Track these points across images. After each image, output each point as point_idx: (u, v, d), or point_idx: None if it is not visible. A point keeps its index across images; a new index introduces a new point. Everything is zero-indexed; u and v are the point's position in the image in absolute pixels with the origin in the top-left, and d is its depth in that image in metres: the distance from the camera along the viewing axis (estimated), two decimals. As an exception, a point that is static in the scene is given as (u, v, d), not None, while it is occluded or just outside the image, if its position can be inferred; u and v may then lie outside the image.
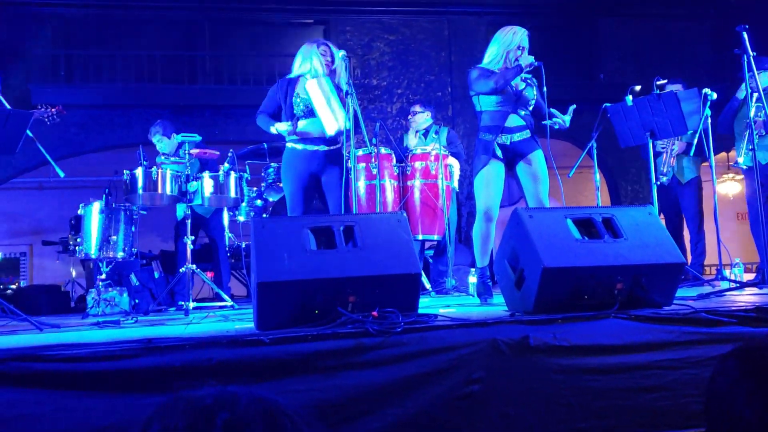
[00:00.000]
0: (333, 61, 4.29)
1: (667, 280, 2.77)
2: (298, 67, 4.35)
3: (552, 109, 4.01)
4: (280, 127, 4.17)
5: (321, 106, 4.09)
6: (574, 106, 4.08)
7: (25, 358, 2.19)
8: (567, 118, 4.02)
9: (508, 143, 3.92)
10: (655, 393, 2.45)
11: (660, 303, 2.74)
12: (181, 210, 5.27)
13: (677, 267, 2.77)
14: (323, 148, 4.24)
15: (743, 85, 4.92)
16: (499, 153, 3.90)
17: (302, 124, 4.18)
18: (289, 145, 4.28)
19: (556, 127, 4.01)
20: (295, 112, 4.20)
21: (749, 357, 0.92)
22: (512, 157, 3.96)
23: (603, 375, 2.43)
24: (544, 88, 3.88)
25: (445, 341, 2.39)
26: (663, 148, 5.48)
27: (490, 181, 3.88)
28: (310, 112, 4.20)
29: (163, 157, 4.88)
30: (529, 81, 4.01)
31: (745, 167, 4.94)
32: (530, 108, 4.02)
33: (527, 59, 3.82)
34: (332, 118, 4.07)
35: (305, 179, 4.24)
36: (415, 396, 2.30)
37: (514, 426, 2.37)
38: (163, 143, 5.63)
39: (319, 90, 4.08)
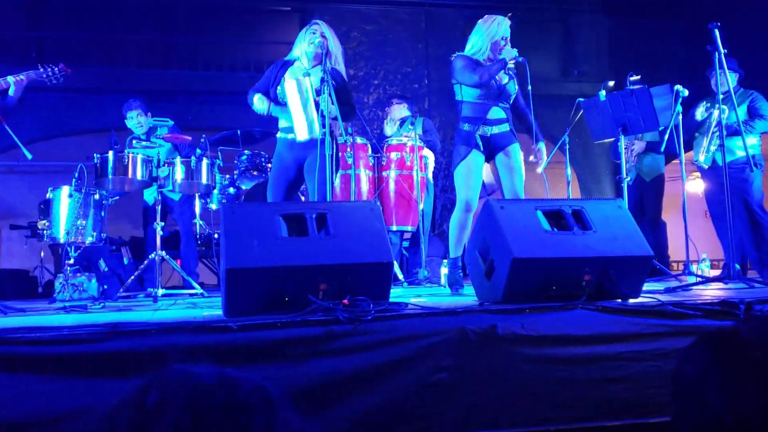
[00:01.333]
0: (326, 42, 4.08)
1: (635, 272, 2.80)
2: (292, 51, 4.22)
3: (540, 143, 4.13)
4: (256, 102, 4.05)
5: (295, 110, 3.93)
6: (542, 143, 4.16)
7: (-14, 341, 2.15)
8: (544, 163, 4.12)
9: (488, 135, 3.95)
10: (621, 384, 2.48)
11: (627, 295, 2.77)
12: (150, 195, 5.20)
13: (645, 260, 2.81)
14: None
15: (702, 105, 5.03)
16: (479, 144, 3.91)
17: (258, 106, 4.07)
18: (279, 135, 4.18)
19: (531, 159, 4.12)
20: (279, 97, 4.08)
21: (719, 344, 0.93)
22: (491, 149, 3.98)
23: (570, 365, 2.46)
24: (529, 87, 3.90)
25: (415, 329, 2.40)
26: (624, 147, 5.56)
27: (470, 171, 3.89)
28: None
29: (135, 141, 4.82)
30: (511, 74, 4.03)
31: (706, 167, 5.04)
32: (511, 102, 4.06)
33: (511, 52, 3.83)
34: (304, 126, 3.91)
35: (290, 169, 4.12)
36: (384, 384, 2.31)
37: (481, 414, 2.38)
38: (141, 120, 5.53)
39: (297, 93, 3.92)
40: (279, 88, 4.06)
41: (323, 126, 3.85)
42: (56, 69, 4.14)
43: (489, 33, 3.94)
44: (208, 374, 0.87)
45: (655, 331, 2.53)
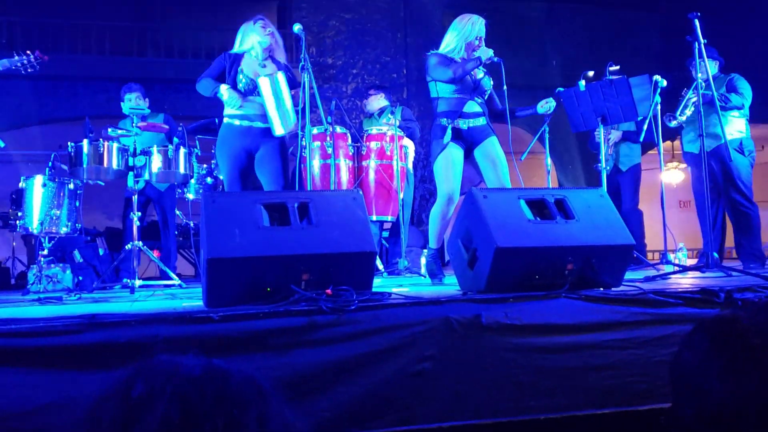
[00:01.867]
0: (273, 34, 4.24)
1: (617, 261, 2.81)
2: (239, 45, 4.29)
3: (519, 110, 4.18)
4: (225, 95, 4.04)
5: (271, 107, 4.02)
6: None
7: (-41, 333, 2.10)
8: (548, 106, 4.12)
9: (465, 128, 3.95)
10: (602, 372, 2.49)
11: (609, 284, 2.78)
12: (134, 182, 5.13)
13: (627, 249, 2.82)
14: (258, 124, 4.16)
15: (678, 111, 5.05)
16: (457, 136, 3.91)
17: (226, 97, 4.08)
18: (226, 120, 4.20)
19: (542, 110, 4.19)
20: (239, 87, 4.12)
21: (719, 331, 0.92)
22: (469, 143, 3.98)
23: (552, 354, 2.46)
24: (504, 87, 3.89)
25: (399, 319, 2.38)
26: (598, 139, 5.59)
27: (449, 164, 3.88)
28: (253, 90, 4.13)
29: (110, 130, 4.73)
30: (487, 71, 4.06)
31: (694, 153, 5.06)
32: (486, 97, 4.07)
33: (487, 52, 3.85)
34: (280, 122, 4.01)
35: (240, 156, 4.15)
36: (368, 373, 2.29)
37: (465, 403, 2.38)
38: (140, 102, 5.49)
39: (271, 90, 4.00)
40: (239, 75, 4.13)
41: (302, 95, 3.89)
42: (32, 56, 4.03)
43: (464, 33, 3.95)
44: (196, 365, 0.85)
45: (637, 320, 2.55)
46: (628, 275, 3.10)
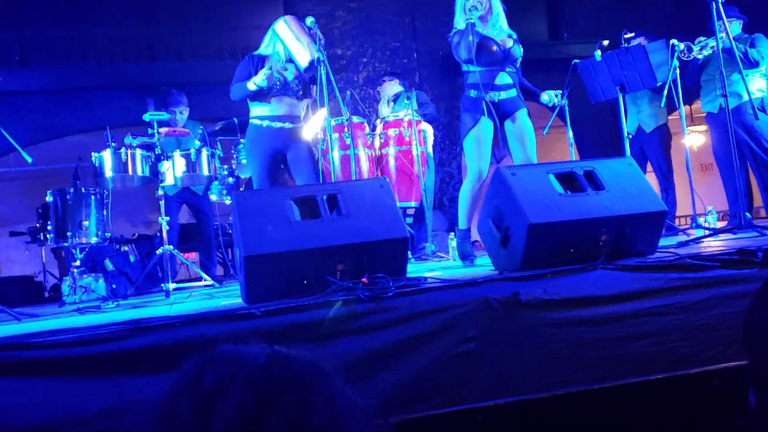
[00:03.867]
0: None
1: (651, 229, 2.80)
2: (264, 47, 4.34)
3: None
4: (258, 79, 4.11)
5: (291, 42, 4.10)
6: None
7: (9, 347, 2.14)
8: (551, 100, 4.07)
9: (497, 100, 3.87)
10: (645, 340, 2.49)
11: (644, 252, 2.77)
12: (171, 188, 5.23)
13: (660, 215, 2.80)
14: (288, 125, 4.22)
15: (699, 42, 4.96)
16: (488, 110, 3.84)
17: (257, 80, 4.15)
18: (253, 122, 4.26)
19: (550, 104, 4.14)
20: (263, 84, 4.16)
21: None
22: (500, 115, 3.90)
23: (593, 326, 2.46)
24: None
25: (437, 302, 2.39)
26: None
27: (481, 139, 3.83)
28: (279, 90, 4.17)
29: (130, 137, 4.77)
30: (515, 38, 3.96)
31: (713, 113, 5.00)
32: (517, 65, 3.99)
33: (472, 15, 3.75)
34: (303, 50, 4.07)
35: (270, 156, 4.22)
36: (411, 358, 2.31)
37: (509, 381, 2.39)
38: (185, 116, 5.62)
39: (287, 28, 4.11)
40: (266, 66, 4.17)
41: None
42: None
43: (460, 3, 3.89)
44: (260, 353, 0.87)
45: (676, 285, 2.53)
46: (661, 242, 3.08)
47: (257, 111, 4.25)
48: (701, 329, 2.49)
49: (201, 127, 5.54)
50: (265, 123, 4.21)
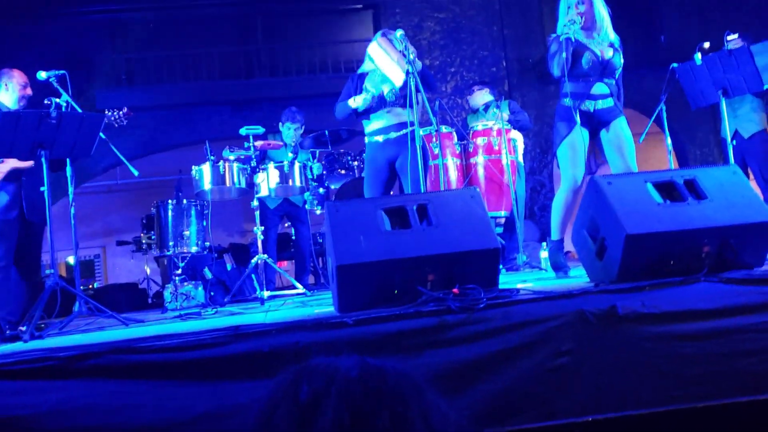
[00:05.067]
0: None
1: (758, 240, 2.66)
2: (365, 65, 4.48)
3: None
4: (358, 99, 4.29)
5: (383, 63, 4.19)
6: None
7: (120, 350, 2.27)
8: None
9: (592, 110, 3.76)
10: (753, 357, 2.36)
11: (751, 264, 2.63)
12: (272, 201, 5.42)
13: (767, 226, 2.65)
14: (393, 134, 4.33)
15: None
16: (581, 119, 3.75)
17: (357, 101, 4.29)
18: (367, 140, 4.45)
19: None
20: (363, 102, 4.30)
21: None
22: (595, 124, 3.80)
23: (696, 341, 2.36)
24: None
25: (531, 315, 2.36)
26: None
27: (575, 148, 3.75)
28: (378, 105, 4.30)
29: (227, 150, 4.97)
30: (616, 47, 3.82)
31: None
32: (617, 76, 3.85)
33: (570, 27, 3.64)
34: (395, 69, 4.13)
35: (383, 169, 4.38)
36: (505, 371, 2.28)
37: (606, 396, 2.32)
38: (298, 134, 5.80)
39: (379, 49, 4.18)
40: (365, 91, 4.33)
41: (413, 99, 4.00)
42: (121, 113, 4.44)
43: (562, 7, 3.81)
44: (353, 366, 0.87)
45: (787, 300, 2.39)
46: None
47: (367, 128, 4.44)
48: (815, 346, 2.34)
49: (310, 158, 5.72)
50: (374, 138, 4.38)
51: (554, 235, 3.84)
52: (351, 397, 0.83)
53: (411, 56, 3.99)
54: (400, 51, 4.11)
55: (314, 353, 2.25)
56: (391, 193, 4.88)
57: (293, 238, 5.93)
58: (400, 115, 4.27)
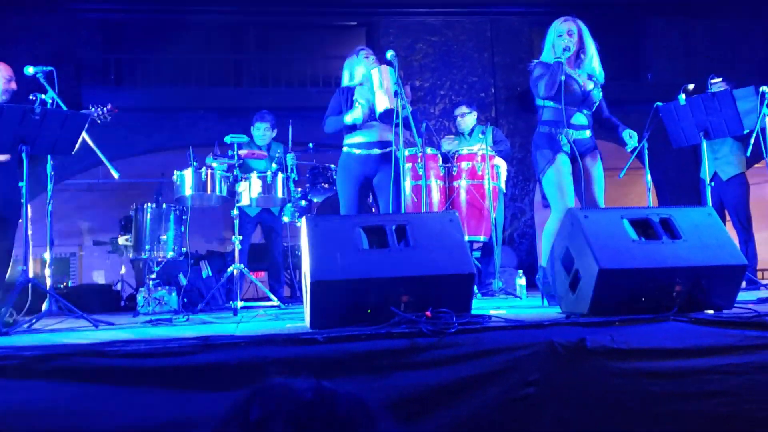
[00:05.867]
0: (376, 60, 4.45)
1: (729, 282, 2.69)
2: (348, 79, 4.49)
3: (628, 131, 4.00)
4: (355, 114, 4.28)
5: (378, 88, 4.20)
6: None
7: (86, 353, 2.24)
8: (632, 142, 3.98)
9: (571, 140, 3.86)
10: (717, 398, 2.39)
11: (721, 306, 2.67)
12: (252, 208, 5.39)
13: (739, 269, 2.70)
14: (376, 151, 4.34)
15: None
16: (564, 145, 3.84)
17: (355, 115, 4.28)
18: (345, 149, 4.41)
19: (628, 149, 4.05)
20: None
21: None
22: (572, 154, 3.88)
23: (662, 379, 2.38)
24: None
25: (501, 342, 2.37)
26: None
27: (561, 176, 3.80)
28: (368, 119, 4.30)
29: (211, 158, 4.96)
30: (596, 81, 3.94)
31: None
32: (594, 109, 3.97)
33: (565, 54, 3.76)
34: (385, 98, 4.16)
35: (360, 183, 4.36)
36: (470, 397, 2.29)
37: (569, 429, 2.33)
38: (267, 134, 5.76)
39: (379, 75, 4.20)
40: (355, 105, 4.32)
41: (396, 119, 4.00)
42: (105, 109, 4.42)
43: (552, 31, 3.90)
44: (307, 388, 0.87)
45: (753, 344, 2.43)
46: (740, 296, 2.96)
47: (349, 139, 4.40)
48: (779, 392, 2.37)
49: (280, 149, 5.69)
50: (355, 150, 4.35)
51: (544, 263, 3.84)
52: (298, 421, 0.83)
53: (403, 99, 4.01)
54: (395, 91, 4.10)
55: (276, 372, 2.25)
56: (370, 201, 4.90)
57: (268, 248, 5.89)
58: (385, 133, 4.30)
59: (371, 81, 4.24)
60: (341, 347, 2.33)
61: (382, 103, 4.14)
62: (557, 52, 3.78)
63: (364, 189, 4.40)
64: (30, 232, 3.65)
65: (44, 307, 3.68)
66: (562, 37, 3.84)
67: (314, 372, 2.24)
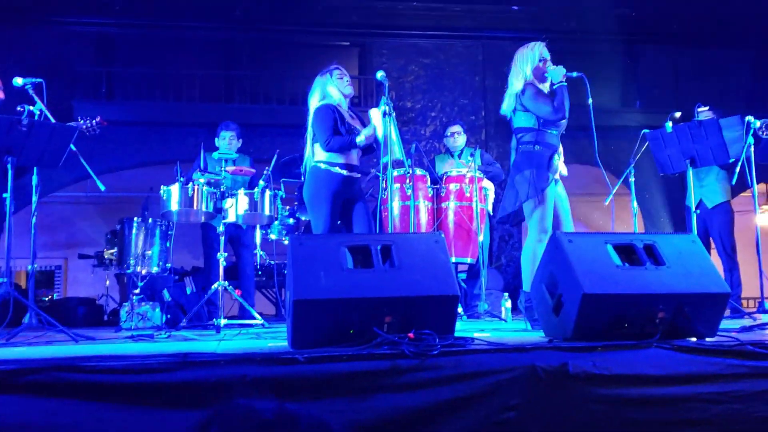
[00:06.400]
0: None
1: (712, 310, 2.70)
2: (320, 98, 4.37)
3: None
4: (368, 132, 4.20)
5: (377, 124, 4.22)
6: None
7: (63, 368, 2.21)
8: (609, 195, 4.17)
9: (556, 164, 3.97)
10: (699, 427, 2.38)
11: (703, 334, 2.66)
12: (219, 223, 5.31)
13: (722, 297, 2.70)
14: (356, 175, 4.29)
15: None
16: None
17: (368, 134, 4.24)
18: (324, 166, 4.19)
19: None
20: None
21: None
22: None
23: (644, 406, 2.37)
24: (590, 100, 3.88)
25: (482, 366, 2.35)
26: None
27: (550, 199, 3.89)
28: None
29: (198, 173, 4.95)
30: None
31: None
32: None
33: (560, 70, 3.87)
34: (399, 149, 4.25)
35: (338, 202, 4.21)
36: (451, 420, 2.26)
37: (551, 455, 2.31)
38: (233, 143, 5.68)
39: (379, 115, 4.19)
40: (348, 124, 4.26)
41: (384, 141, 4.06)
42: (94, 121, 4.41)
43: (526, 60, 3.95)
44: (268, 409, 0.87)
45: (735, 372, 2.43)
46: (724, 324, 2.96)
47: (331, 157, 4.19)
48: (759, 422, 2.37)
49: (247, 161, 5.65)
50: (337, 169, 4.17)
51: (526, 287, 3.83)
52: None
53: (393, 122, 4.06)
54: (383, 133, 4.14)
55: (254, 392, 2.22)
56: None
57: (236, 263, 5.78)
58: (360, 159, 4.34)
59: (372, 121, 4.24)
60: (322, 368, 2.30)
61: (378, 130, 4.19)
62: (554, 78, 3.87)
63: (342, 210, 4.27)
64: (8, 244, 3.61)
65: (25, 320, 3.64)
66: (547, 62, 3.92)
67: (294, 392, 2.24)
